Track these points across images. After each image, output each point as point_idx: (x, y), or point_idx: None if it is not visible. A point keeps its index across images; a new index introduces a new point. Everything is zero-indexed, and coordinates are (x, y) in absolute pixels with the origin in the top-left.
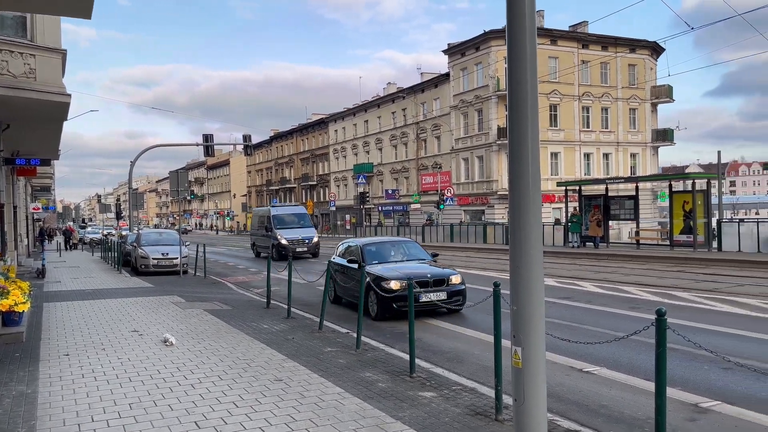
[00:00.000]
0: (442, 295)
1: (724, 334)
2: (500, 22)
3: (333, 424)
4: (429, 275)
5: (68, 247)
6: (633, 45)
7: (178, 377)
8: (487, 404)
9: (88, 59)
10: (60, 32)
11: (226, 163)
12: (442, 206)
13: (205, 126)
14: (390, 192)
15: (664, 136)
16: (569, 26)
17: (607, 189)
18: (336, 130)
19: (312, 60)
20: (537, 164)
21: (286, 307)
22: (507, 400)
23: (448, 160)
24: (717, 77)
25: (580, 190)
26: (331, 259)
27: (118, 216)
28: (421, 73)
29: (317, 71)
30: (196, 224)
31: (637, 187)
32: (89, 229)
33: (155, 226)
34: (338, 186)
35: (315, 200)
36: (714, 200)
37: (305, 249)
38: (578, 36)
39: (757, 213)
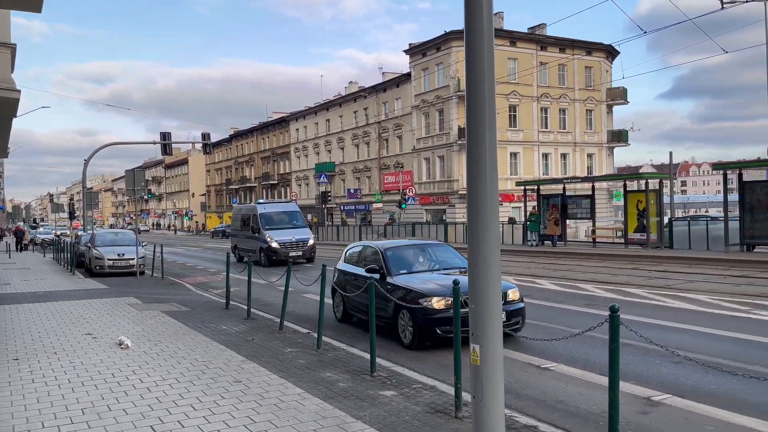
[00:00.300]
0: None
1: (675, 329)
2: (461, 22)
3: (293, 425)
4: None
5: (19, 248)
6: (589, 48)
7: (133, 380)
8: (447, 402)
9: (40, 54)
10: (9, 26)
11: (184, 162)
12: (404, 205)
13: (163, 124)
14: (352, 191)
15: (619, 137)
16: (528, 28)
17: (564, 189)
18: (297, 129)
19: (273, 58)
20: (494, 164)
21: (245, 307)
22: (466, 397)
23: (409, 159)
24: (669, 80)
25: (538, 189)
26: (338, 266)
27: (72, 216)
28: (383, 73)
29: (278, 69)
30: (153, 224)
31: (593, 187)
32: (41, 229)
33: (111, 226)
34: (300, 185)
35: (276, 199)
36: (666, 199)
37: (300, 253)
38: (537, 38)
39: (706, 212)
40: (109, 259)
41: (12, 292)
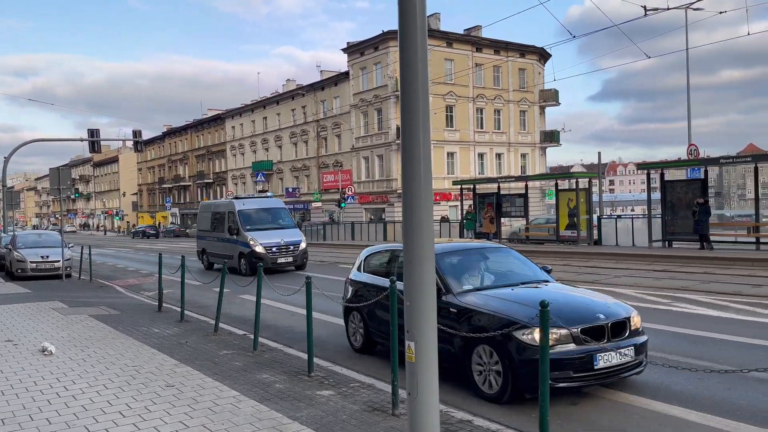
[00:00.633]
0: (629, 355)
1: None
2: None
3: (228, 428)
4: (601, 315)
5: None
6: (523, 50)
7: (57, 388)
8: (385, 400)
9: None
10: None
11: (114, 160)
12: (343, 204)
13: (92, 120)
14: (290, 190)
15: (551, 137)
16: (464, 30)
17: (499, 187)
18: (233, 127)
19: (208, 54)
20: (429, 163)
21: (179, 310)
22: (404, 394)
23: (348, 158)
24: (598, 83)
25: (474, 188)
26: (353, 277)
27: None
28: (321, 71)
29: (214, 66)
30: (81, 225)
31: (526, 186)
32: None
33: (34, 227)
34: (236, 184)
35: (211, 198)
36: (595, 198)
37: (290, 259)
38: (472, 39)
39: (632, 210)
40: (32, 262)
41: None
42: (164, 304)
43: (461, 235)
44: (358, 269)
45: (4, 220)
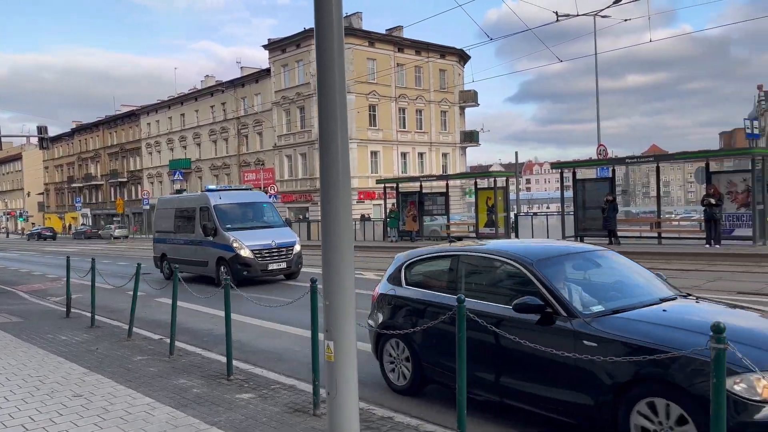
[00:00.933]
0: None
1: None
2: None
3: None
4: None
5: None
6: (443, 51)
7: None
8: (306, 400)
9: None
10: None
11: (17, 158)
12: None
13: None
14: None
15: (470, 137)
16: (386, 30)
17: (421, 186)
18: (149, 124)
19: (121, 47)
20: (347, 162)
21: (89, 315)
22: (325, 394)
23: (271, 156)
24: (516, 85)
25: (397, 187)
26: (386, 291)
27: None
28: (241, 67)
29: (127, 59)
30: None
31: (447, 185)
32: None
33: None
34: (152, 183)
35: (126, 198)
36: (512, 196)
37: (284, 265)
38: (394, 39)
39: (548, 207)
40: None
41: None
42: (73, 310)
43: (385, 234)
44: (395, 281)
45: None
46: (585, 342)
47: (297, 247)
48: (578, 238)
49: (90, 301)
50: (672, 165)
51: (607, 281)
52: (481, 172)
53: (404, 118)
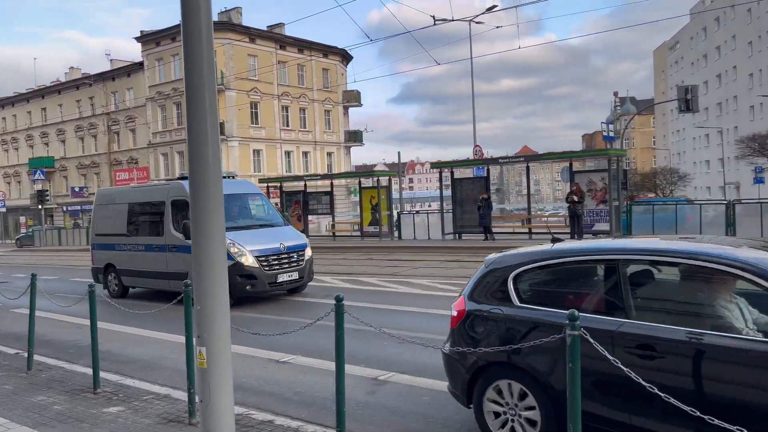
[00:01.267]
0: None
1: (401, 312)
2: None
3: None
4: None
5: None
6: (326, 50)
7: None
8: (182, 409)
9: None
10: None
11: None
12: None
13: None
14: (77, 190)
15: (355, 137)
16: (267, 26)
17: (305, 185)
18: (5, 118)
19: None
20: (218, 161)
21: None
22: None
23: (145, 154)
24: (398, 86)
25: (281, 186)
26: (503, 312)
27: None
28: (111, 60)
29: None
30: None
31: (332, 184)
32: None
33: None
34: (9, 183)
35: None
36: (396, 195)
37: (295, 275)
38: (275, 36)
39: (429, 206)
40: None
41: None
42: None
43: None
44: (496, 296)
45: None
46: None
47: (309, 252)
48: (456, 235)
49: None
50: (541, 165)
51: None
52: (366, 171)
53: (288, 116)
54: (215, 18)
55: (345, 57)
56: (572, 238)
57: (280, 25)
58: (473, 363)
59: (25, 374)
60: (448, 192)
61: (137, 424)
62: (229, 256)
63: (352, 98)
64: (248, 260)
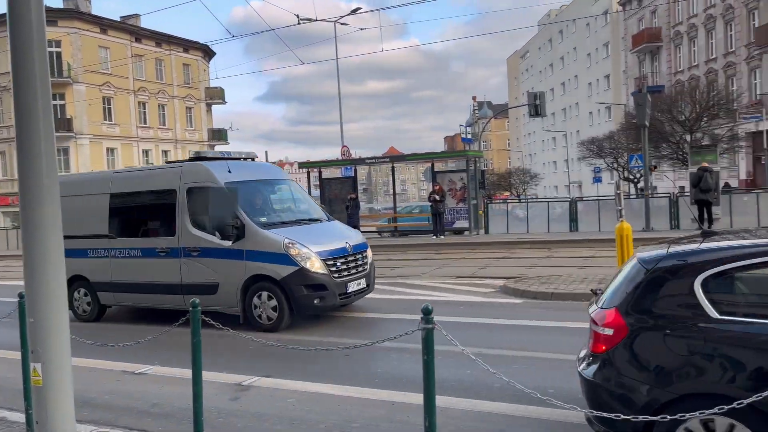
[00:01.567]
0: None
1: None
2: None
3: None
4: None
5: None
6: (186, 45)
7: None
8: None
9: None
10: None
11: None
12: None
13: None
14: None
15: (219, 135)
16: (121, 17)
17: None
18: None
19: None
20: (53, 160)
21: None
22: None
23: None
24: (265, 84)
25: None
26: (698, 325)
27: None
28: None
29: None
30: None
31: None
32: None
33: None
34: None
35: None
36: None
37: (363, 283)
38: (130, 28)
39: None
40: None
41: None
42: None
43: None
44: (672, 305)
45: None
46: None
47: (370, 253)
48: None
49: None
50: (406, 165)
51: None
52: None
53: (145, 113)
54: (60, 4)
55: (207, 52)
56: (434, 235)
57: (136, 16)
58: (654, 396)
59: None
60: (316, 192)
61: None
62: (289, 260)
63: (216, 95)
64: (315, 265)
